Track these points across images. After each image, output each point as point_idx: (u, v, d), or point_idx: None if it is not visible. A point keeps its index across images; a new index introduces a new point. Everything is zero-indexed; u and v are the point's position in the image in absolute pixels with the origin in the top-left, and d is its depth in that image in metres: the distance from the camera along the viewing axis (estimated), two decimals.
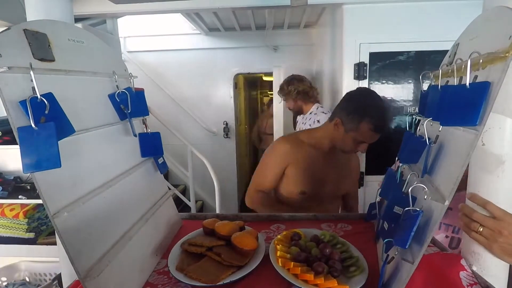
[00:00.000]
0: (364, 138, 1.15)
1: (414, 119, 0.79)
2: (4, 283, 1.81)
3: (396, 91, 1.95)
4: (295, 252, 0.76)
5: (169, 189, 1.03)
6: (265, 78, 5.09)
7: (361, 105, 1.17)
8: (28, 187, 1.89)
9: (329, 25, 2.42)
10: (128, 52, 3.39)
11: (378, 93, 1.96)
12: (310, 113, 2.26)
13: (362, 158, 1.99)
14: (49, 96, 0.54)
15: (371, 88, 1.93)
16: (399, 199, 0.67)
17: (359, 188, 2.03)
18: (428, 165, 0.65)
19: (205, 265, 0.73)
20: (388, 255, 0.65)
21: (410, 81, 1.93)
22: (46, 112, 0.53)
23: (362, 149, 1.19)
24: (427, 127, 0.68)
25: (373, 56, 1.89)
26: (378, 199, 0.91)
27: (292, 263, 0.71)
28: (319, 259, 0.73)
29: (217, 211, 2.75)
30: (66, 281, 1.44)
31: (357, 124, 1.14)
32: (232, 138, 3.55)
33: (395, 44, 1.88)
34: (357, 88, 1.23)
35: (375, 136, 1.15)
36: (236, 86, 3.59)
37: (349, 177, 1.39)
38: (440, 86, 0.64)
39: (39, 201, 1.75)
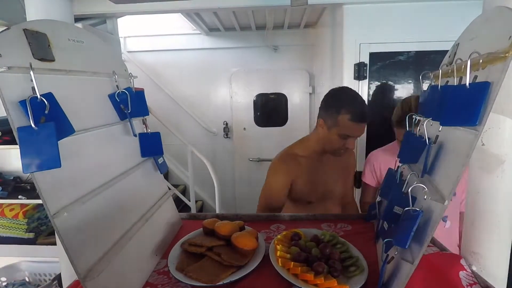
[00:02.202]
0: (347, 131, 1.15)
1: (414, 119, 0.79)
2: (4, 283, 1.81)
3: (397, 91, 1.96)
4: (295, 252, 0.76)
5: (169, 189, 1.03)
6: None
7: (335, 99, 1.19)
8: (28, 187, 1.90)
9: (329, 25, 2.42)
10: (128, 52, 3.39)
11: (379, 93, 1.96)
12: None
13: (362, 158, 1.99)
14: (49, 96, 0.54)
15: (370, 88, 1.93)
16: (399, 199, 0.67)
17: (359, 188, 2.02)
18: (428, 165, 0.65)
19: (205, 265, 0.73)
20: (388, 255, 0.65)
21: (410, 81, 1.93)
22: (46, 112, 0.53)
23: (351, 145, 1.18)
24: (427, 127, 0.68)
25: (373, 56, 1.90)
26: (378, 199, 0.91)
27: (292, 263, 0.71)
28: (319, 259, 0.73)
29: (217, 211, 2.75)
30: (66, 281, 1.44)
31: (336, 117, 1.15)
32: (232, 138, 3.55)
33: (395, 44, 1.88)
34: (332, 88, 1.27)
35: (356, 127, 1.14)
36: None
37: (349, 177, 1.41)
38: (440, 86, 0.64)
39: (39, 201, 1.75)
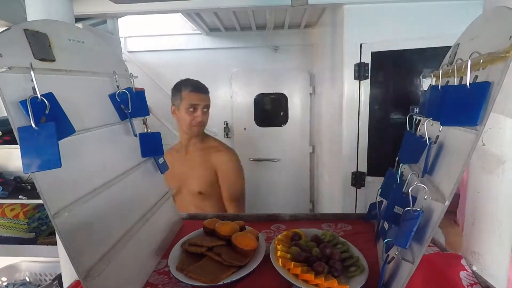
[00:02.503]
0: (190, 100, 1.46)
1: (414, 119, 0.79)
2: (5, 283, 1.81)
3: (398, 91, 1.96)
4: (296, 252, 0.76)
5: (170, 189, 1.03)
6: None
7: (175, 86, 1.53)
8: (29, 187, 1.90)
9: (329, 25, 2.42)
10: (128, 52, 3.39)
11: (380, 92, 1.97)
12: None
13: (363, 159, 1.99)
14: (50, 96, 0.54)
15: (372, 88, 1.93)
16: (399, 199, 0.67)
17: (360, 188, 2.02)
18: (428, 165, 0.65)
19: (206, 265, 0.73)
20: (388, 255, 0.65)
21: (411, 81, 1.93)
22: (47, 112, 0.53)
23: (198, 115, 1.48)
24: (428, 127, 0.68)
25: (374, 56, 1.89)
26: (378, 199, 0.91)
27: (293, 263, 0.70)
28: (319, 259, 0.73)
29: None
30: (66, 281, 1.44)
31: (180, 95, 1.47)
32: (232, 138, 3.55)
33: (396, 44, 1.87)
34: None
35: (197, 96, 1.47)
36: None
37: (207, 176, 1.54)
38: (441, 86, 0.64)
39: (40, 201, 1.76)
